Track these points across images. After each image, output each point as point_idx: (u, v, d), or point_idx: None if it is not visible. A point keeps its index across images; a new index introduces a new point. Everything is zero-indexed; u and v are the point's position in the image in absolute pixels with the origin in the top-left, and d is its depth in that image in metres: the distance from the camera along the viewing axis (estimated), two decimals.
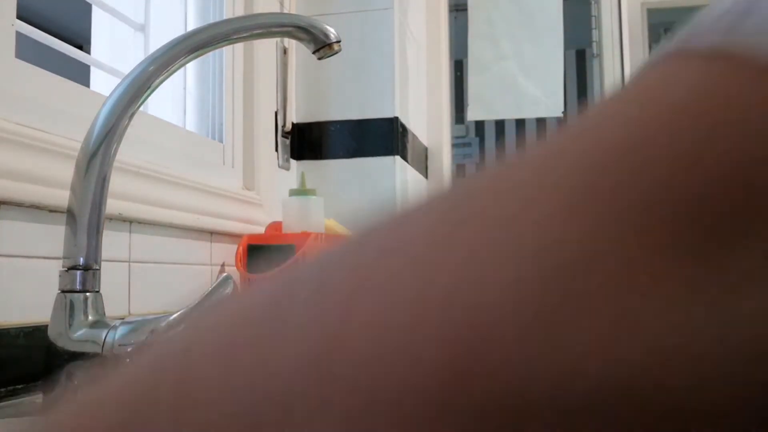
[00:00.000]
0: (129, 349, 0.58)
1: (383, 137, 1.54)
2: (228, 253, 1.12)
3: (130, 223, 0.88)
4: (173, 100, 1.21)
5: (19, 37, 0.76)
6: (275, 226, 1.21)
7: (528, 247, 0.12)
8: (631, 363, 0.11)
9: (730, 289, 0.11)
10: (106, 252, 0.62)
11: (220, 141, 1.24)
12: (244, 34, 0.69)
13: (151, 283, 0.92)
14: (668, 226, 0.12)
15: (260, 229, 1.21)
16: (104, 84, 1.00)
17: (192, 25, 1.21)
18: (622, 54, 2.62)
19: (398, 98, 1.56)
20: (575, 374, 0.11)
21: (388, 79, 1.54)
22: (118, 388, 0.16)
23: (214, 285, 0.63)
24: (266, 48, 1.35)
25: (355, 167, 1.55)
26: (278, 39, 1.43)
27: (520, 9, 2.16)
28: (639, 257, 0.12)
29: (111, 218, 0.83)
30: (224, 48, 1.17)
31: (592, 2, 2.69)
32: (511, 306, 0.12)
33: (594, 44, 2.70)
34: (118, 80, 0.70)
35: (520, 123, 3.64)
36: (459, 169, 3.20)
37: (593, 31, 2.69)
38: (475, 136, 3.83)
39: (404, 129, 1.63)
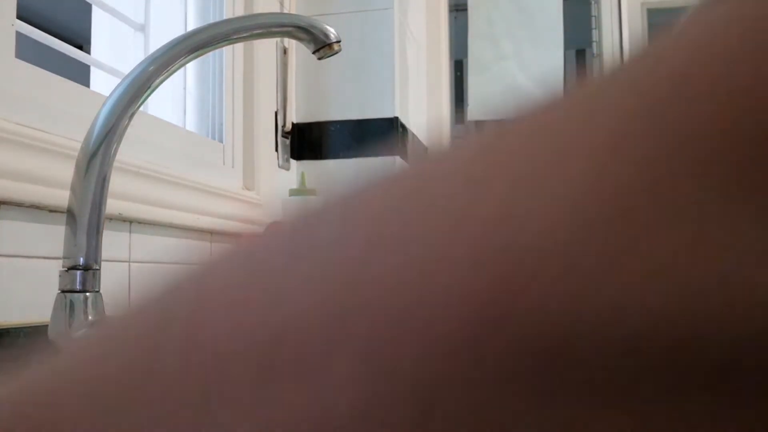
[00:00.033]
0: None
1: (383, 137, 1.54)
2: None
3: (130, 223, 0.88)
4: (173, 100, 1.21)
5: (19, 37, 0.76)
6: (275, 226, 1.20)
7: (578, 177, 0.11)
8: (700, 293, 0.10)
9: None
10: (106, 252, 0.62)
11: (220, 141, 1.24)
12: (244, 34, 0.69)
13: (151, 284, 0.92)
14: (733, 157, 0.11)
15: (260, 230, 1.20)
16: (104, 84, 1.00)
17: (192, 25, 1.21)
18: (622, 54, 2.62)
19: (398, 98, 1.56)
20: (633, 307, 0.10)
21: (388, 79, 1.54)
22: (126, 328, 0.16)
23: None
24: (266, 48, 1.35)
25: (355, 167, 1.55)
26: (278, 39, 1.43)
27: (520, 9, 2.16)
28: (704, 186, 0.11)
29: (111, 218, 0.83)
30: (224, 48, 1.17)
31: (592, 2, 2.69)
32: (557, 236, 0.11)
33: (594, 44, 2.70)
34: (118, 80, 0.70)
35: None
36: None
37: (593, 31, 2.69)
38: None
39: (404, 129, 1.63)
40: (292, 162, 1.50)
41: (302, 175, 1.30)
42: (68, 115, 0.80)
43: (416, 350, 0.11)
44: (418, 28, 1.85)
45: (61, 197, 0.67)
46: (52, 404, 0.15)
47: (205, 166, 1.16)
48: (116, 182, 0.70)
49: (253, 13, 1.21)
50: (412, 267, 0.12)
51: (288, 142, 1.48)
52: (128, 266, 0.88)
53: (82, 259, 0.60)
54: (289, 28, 0.70)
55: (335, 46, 0.69)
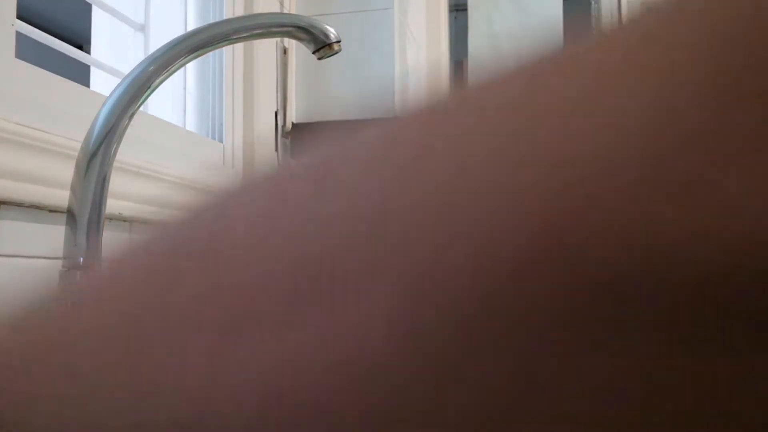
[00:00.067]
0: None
1: None
2: None
3: (130, 223, 0.88)
4: (173, 100, 1.21)
5: (19, 37, 0.76)
6: None
7: (652, 90, 0.10)
8: None
9: None
10: (106, 252, 0.62)
11: (220, 141, 1.24)
12: (244, 34, 0.69)
13: None
14: None
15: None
16: (104, 84, 1.00)
17: (192, 25, 1.21)
18: None
19: (398, 98, 1.56)
20: (716, 236, 0.09)
21: (388, 79, 1.54)
22: (149, 253, 0.15)
23: None
24: (266, 48, 1.35)
25: None
26: (278, 39, 1.43)
27: (520, 9, 2.16)
28: None
29: (111, 218, 0.83)
30: (224, 48, 1.17)
31: (592, 2, 2.69)
32: (626, 153, 0.10)
33: None
34: (118, 80, 0.70)
35: None
36: None
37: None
38: None
39: None
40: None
41: None
42: (68, 115, 0.80)
43: (462, 280, 0.10)
44: (418, 28, 1.85)
45: (61, 197, 0.67)
46: (77, 332, 0.15)
47: (205, 166, 1.16)
48: (116, 182, 0.70)
49: (253, 13, 1.21)
50: (460, 188, 0.11)
51: (288, 142, 1.48)
52: None
53: (82, 259, 0.60)
54: (289, 28, 0.70)
55: (335, 46, 0.69)
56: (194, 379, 0.12)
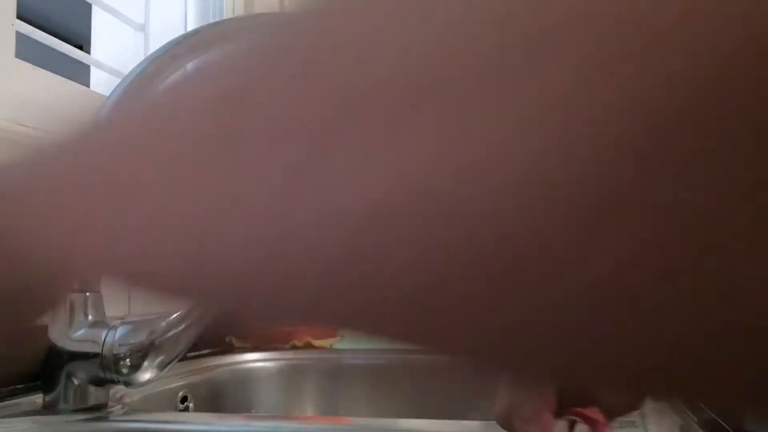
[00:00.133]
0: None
1: None
2: None
3: None
4: None
5: (19, 37, 0.76)
6: None
7: None
8: None
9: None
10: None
11: None
12: None
13: None
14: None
15: None
16: (104, 84, 1.00)
17: (192, 25, 1.21)
18: None
19: None
20: None
21: None
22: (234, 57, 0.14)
23: None
24: None
25: None
26: None
27: None
28: None
29: None
30: None
31: None
32: None
33: None
34: (118, 80, 0.70)
35: None
36: None
37: None
38: None
39: None
40: None
41: None
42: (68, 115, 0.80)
43: (626, 99, 0.09)
44: None
45: None
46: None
47: None
48: None
49: (253, 14, 1.21)
50: None
51: None
52: None
53: None
54: None
55: None
56: (294, 184, 0.11)
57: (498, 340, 0.11)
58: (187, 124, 0.14)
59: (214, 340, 1.05)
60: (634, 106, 0.09)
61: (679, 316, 0.10)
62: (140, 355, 0.57)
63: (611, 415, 0.32)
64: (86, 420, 0.57)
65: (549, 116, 0.09)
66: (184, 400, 0.79)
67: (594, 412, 0.31)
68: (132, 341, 0.58)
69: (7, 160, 0.17)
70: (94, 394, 0.59)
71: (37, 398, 0.60)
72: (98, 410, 0.59)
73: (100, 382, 0.59)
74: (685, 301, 0.09)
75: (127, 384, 0.59)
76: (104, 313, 0.61)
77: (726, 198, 0.09)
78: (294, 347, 1.05)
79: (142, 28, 1.11)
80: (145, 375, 0.58)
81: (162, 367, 0.58)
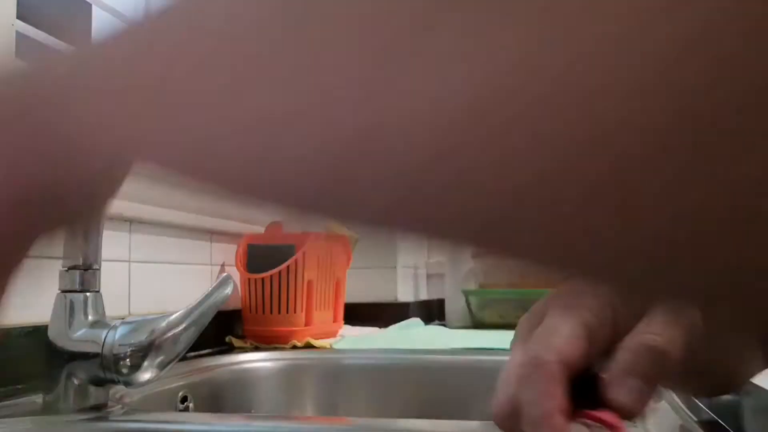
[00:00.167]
0: None
1: None
2: (228, 253, 1.12)
3: (130, 223, 0.88)
4: None
5: (19, 37, 0.76)
6: (275, 226, 1.21)
7: None
8: None
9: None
10: (106, 252, 0.62)
11: None
12: None
13: (151, 283, 0.92)
14: None
15: (260, 229, 1.21)
16: None
17: None
18: None
19: None
20: None
21: None
22: None
23: (214, 285, 0.63)
24: None
25: None
26: None
27: None
28: None
29: (111, 218, 0.83)
30: None
31: None
32: None
33: None
34: None
35: None
36: None
37: None
38: None
39: None
40: None
41: None
42: None
43: None
44: None
45: None
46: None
47: None
48: None
49: None
50: None
51: None
52: (128, 266, 0.88)
53: (82, 259, 0.60)
54: None
55: None
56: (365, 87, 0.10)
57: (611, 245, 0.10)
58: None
59: (214, 340, 1.05)
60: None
61: None
62: (140, 355, 0.57)
63: (624, 417, 0.30)
64: (86, 420, 0.57)
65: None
66: (184, 400, 0.79)
67: (609, 415, 0.30)
68: (132, 341, 0.58)
69: (59, 57, 0.16)
70: (94, 394, 0.59)
71: (37, 398, 0.60)
72: (98, 410, 0.59)
73: (100, 382, 0.59)
74: None
75: (127, 384, 0.59)
76: (104, 313, 0.61)
77: None
78: (294, 347, 1.05)
79: None
80: (145, 375, 0.58)
81: (162, 367, 0.58)
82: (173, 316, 0.59)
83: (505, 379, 0.32)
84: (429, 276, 1.79)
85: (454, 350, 1.01)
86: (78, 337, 0.59)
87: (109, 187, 0.18)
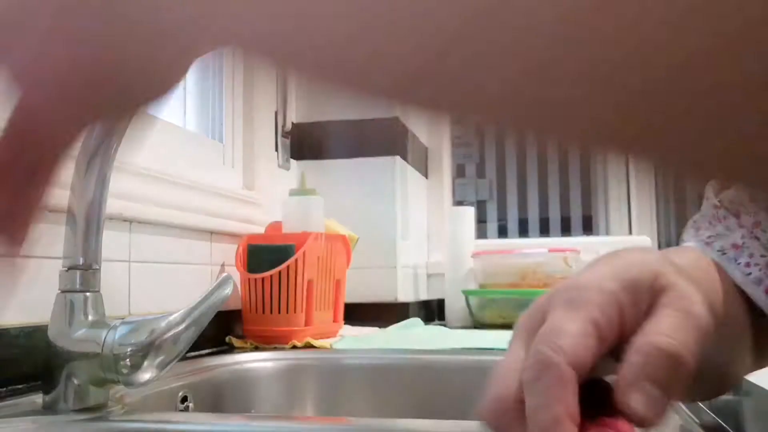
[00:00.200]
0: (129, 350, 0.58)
1: (383, 137, 1.54)
2: (228, 253, 1.12)
3: (130, 223, 0.88)
4: (173, 100, 1.21)
5: None
6: (275, 226, 1.21)
7: None
8: None
9: None
10: (106, 252, 0.62)
11: (220, 141, 1.24)
12: None
13: (151, 283, 0.92)
14: None
15: (260, 229, 1.21)
16: None
17: None
18: None
19: None
20: None
21: None
22: None
23: (214, 285, 0.63)
24: None
25: (355, 167, 1.54)
26: None
27: None
28: None
29: (111, 218, 0.83)
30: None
31: None
32: None
33: None
34: None
35: None
36: (459, 169, 3.20)
37: None
38: (475, 136, 3.83)
39: (404, 129, 1.63)
40: (292, 162, 1.50)
41: (302, 175, 1.30)
42: None
43: None
44: None
45: (61, 197, 0.67)
46: None
47: (205, 166, 1.16)
48: (116, 182, 0.70)
49: None
50: None
51: (288, 142, 1.48)
52: (128, 266, 0.88)
53: (82, 259, 0.60)
54: None
55: None
56: None
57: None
58: None
59: (214, 340, 1.05)
60: None
61: None
62: (140, 355, 0.57)
63: (639, 426, 0.28)
64: (86, 420, 0.57)
65: None
66: (184, 400, 0.79)
67: (623, 424, 0.28)
68: (132, 341, 0.58)
69: None
70: (94, 394, 0.59)
71: (37, 398, 0.60)
72: (98, 410, 0.59)
73: (100, 382, 0.59)
74: None
75: (127, 384, 0.59)
76: (104, 313, 0.61)
77: None
78: (294, 347, 1.05)
79: None
80: (145, 375, 0.58)
81: (162, 367, 0.58)
82: (173, 316, 0.59)
83: (498, 376, 0.30)
84: (429, 276, 1.79)
85: (454, 350, 1.01)
86: (78, 337, 0.59)
87: (171, 75, 0.17)
